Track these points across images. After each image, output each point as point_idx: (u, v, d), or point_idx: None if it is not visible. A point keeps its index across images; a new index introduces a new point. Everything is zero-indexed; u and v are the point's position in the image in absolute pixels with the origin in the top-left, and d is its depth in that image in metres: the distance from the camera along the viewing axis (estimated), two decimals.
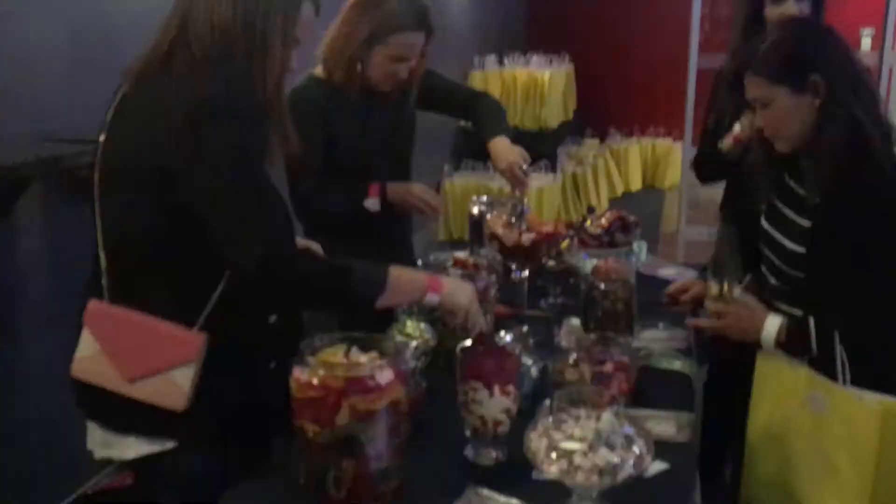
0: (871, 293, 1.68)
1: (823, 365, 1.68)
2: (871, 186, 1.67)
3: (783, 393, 1.72)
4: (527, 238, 2.07)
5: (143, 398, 1.45)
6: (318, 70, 2.24)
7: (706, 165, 2.63)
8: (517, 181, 2.31)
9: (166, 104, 1.40)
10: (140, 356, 1.45)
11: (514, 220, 2.31)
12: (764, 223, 1.86)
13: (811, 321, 1.71)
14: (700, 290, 2.05)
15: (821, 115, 1.69)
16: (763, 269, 1.90)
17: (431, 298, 1.61)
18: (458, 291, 1.65)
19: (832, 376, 1.66)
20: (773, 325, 1.73)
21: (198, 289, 1.47)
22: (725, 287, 1.79)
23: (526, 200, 2.60)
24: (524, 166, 2.32)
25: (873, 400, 1.60)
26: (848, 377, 1.65)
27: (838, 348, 1.66)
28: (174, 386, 1.44)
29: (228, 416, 1.52)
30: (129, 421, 1.50)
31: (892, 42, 6.17)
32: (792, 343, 1.72)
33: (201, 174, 1.39)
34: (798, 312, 1.79)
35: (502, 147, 2.35)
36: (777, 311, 1.84)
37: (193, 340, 1.44)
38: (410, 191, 2.29)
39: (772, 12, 2.35)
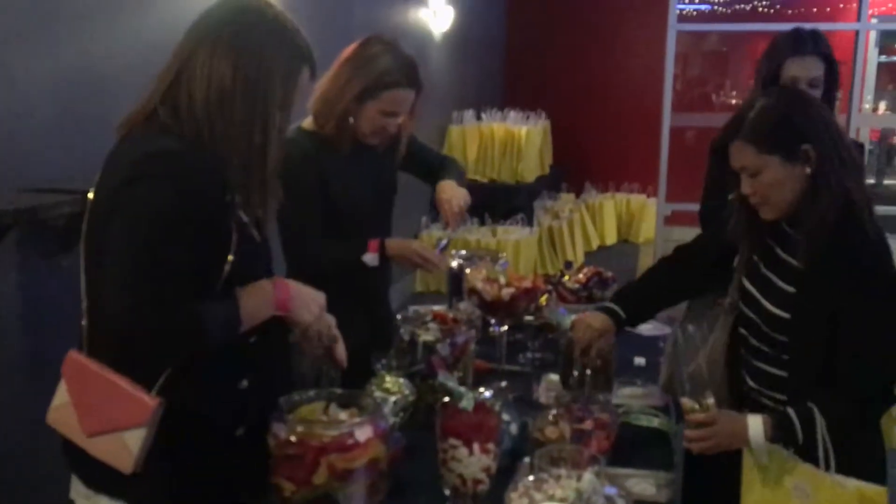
0: (846, 364, 1.68)
1: (808, 452, 1.67)
2: (854, 256, 1.67)
3: (771, 481, 1.70)
4: (506, 293, 2.07)
5: (96, 455, 1.41)
6: (306, 122, 2.26)
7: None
8: (451, 215, 2.35)
9: (124, 156, 1.39)
10: (99, 412, 1.41)
11: (439, 250, 2.35)
12: (746, 284, 1.87)
13: (792, 413, 1.69)
14: (608, 338, 2.02)
15: (812, 185, 1.69)
16: (741, 329, 1.90)
17: (279, 313, 1.50)
18: (305, 307, 1.52)
19: (816, 462, 1.65)
20: (756, 424, 1.70)
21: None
22: (702, 401, 1.78)
23: (504, 255, 2.62)
24: (462, 205, 2.37)
25: (851, 485, 1.61)
26: (832, 463, 1.64)
27: (820, 436, 1.65)
28: (124, 447, 1.38)
29: (191, 483, 1.46)
30: (96, 477, 1.47)
31: (859, 104, 6.32)
32: (778, 438, 1.69)
33: (115, 229, 1.35)
34: (778, 372, 1.79)
35: (447, 185, 2.42)
36: (756, 371, 1.85)
37: (148, 404, 1.37)
38: (410, 247, 2.31)
39: (791, 66, 2.33)
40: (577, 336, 2.01)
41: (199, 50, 1.41)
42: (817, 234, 1.68)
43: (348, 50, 2.22)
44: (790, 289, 1.76)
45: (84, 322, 1.48)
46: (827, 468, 1.64)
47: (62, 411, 1.46)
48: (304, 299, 1.52)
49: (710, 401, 1.75)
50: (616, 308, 2.04)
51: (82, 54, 2.69)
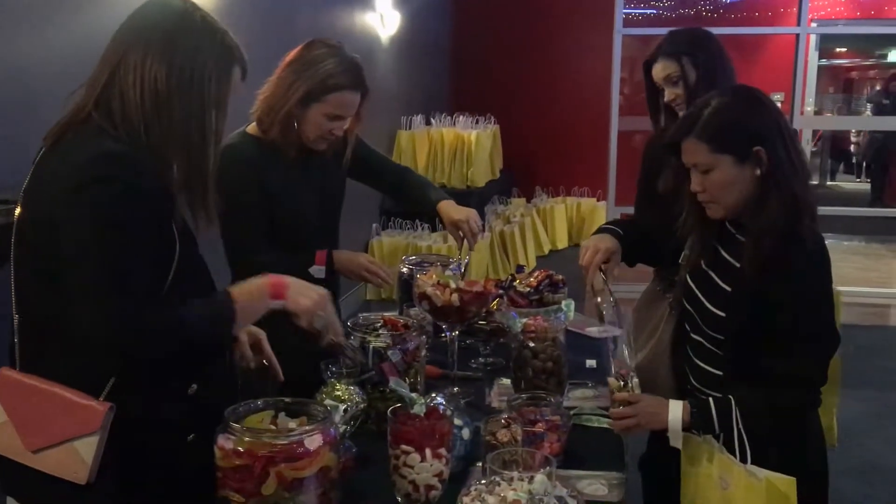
0: (773, 363, 1.71)
1: (728, 443, 1.70)
2: (788, 259, 1.69)
3: (703, 473, 1.74)
4: (456, 297, 2.06)
5: (45, 470, 1.38)
6: (251, 127, 2.23)
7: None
8: (472, 233, 2.41)
9: (62, 165, 1.37)
10: (43, 425, 1.38)
11: (460, 268, 2.37)
12: (689, 280, 1.89)
13: (711, 402, 1.73)
14: (616, 259, 2.09)
15: (761, 188, 1.71)
16: (686, 325, 1.93)
17: (275, 304, 1.54)
18: (303, 293, 1.57)
19: (734, 452, 1.68)
20: (675, 408, 1.74)
21: (105, 357, 1.39)
22: (625, 377, 1.82)
23: (454, 259, 2.62)
24: (479, 222, 2.45)
25: (761, 475, 1.63)
26: (748, 454, 1.67)
27: (736, 429, 1.69)
28: (76, 457, 1.36)
29: (142, 492, 1.44)
30: (40, 496, 1.42)
31: (801, 107, 6.48)
32: (696, 424, 1.73)
33: (66, 237, 1.33)
34: (716, 371, 1.82)
35: (451, 206, 2.47)
36: (696, 369, 1.87)
37: (97, 409, 1.36)
38: (358, 261, 2.31)
39: (654, 70, 2.49)
40: (586, 260, 2.08)
41: (130, 53, 1.40)
42: (764, 237, 1.70)
43: (291, 53, 2.20)
44: (727, 288, 1.79)
45: (16, 339, 1.44)
46: (743, 459, 1.67)
47: None
48: (301, 287, 1.57)
49: (635, 380, 1.80)
50: (615, 227, 2.10)
51: (8, 65, 2.59)
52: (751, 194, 1.73)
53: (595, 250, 2.08)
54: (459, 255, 2.44)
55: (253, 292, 1.52)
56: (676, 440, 1.73)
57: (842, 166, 13.79)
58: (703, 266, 1.86)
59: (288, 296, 1.54)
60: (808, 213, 1.72)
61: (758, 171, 1.71)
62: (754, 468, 1.65)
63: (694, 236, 1.90)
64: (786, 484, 1.62)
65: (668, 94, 2.47)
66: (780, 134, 1.72)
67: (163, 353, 1.39)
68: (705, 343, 1.85)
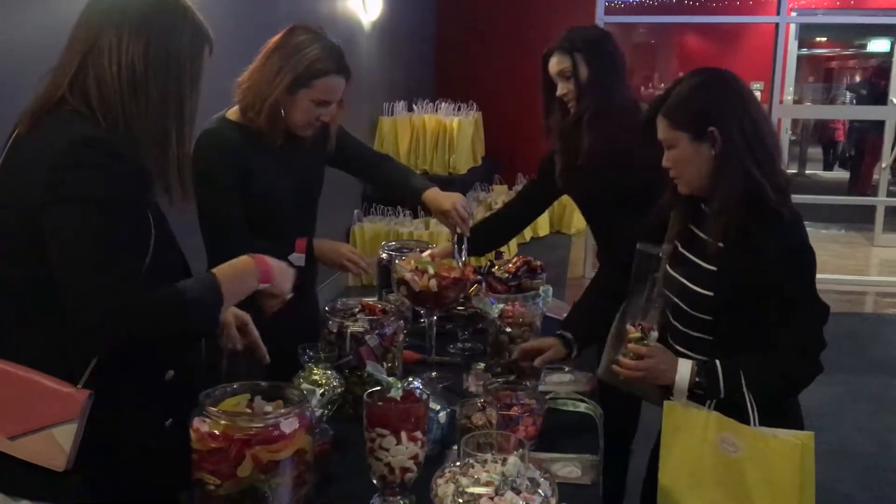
0: (773, 335, 1.76)
1: (732, 407, 1.73)
2: (769, 233, 1.74)
3: (692, 439, 1.76)
4: (434, 283, 2.07)
5: (22, 457, 1.37)
6: (231, 112, 2.22)
7: None
8: (462, 219, 2.43)
9: (40, 149, 1.36)
10: (19, 412, 1.37)
11: (460, 255, 2.39)
12: (668, 269, 1.91)
13: (718, 364, 1.76)
14: (557, 352, 2.05)
15: (717, 166, 1.77)
16: (669, 316, 1.95)
17: (262, 287, 1.56)
18: (284, 276, 1.61)
19: (741, 418, 1.71)
20: (685, 367, 1.78)
21: (78, 344, 1.37)
22: (646, 331, 1.84)
23: (433, 245, 2.63)
24: (468, 207, 2.47)
25: (788, 435, 1.67)
26: (756, 418, 1.70)
27: (745, 390, 1.72)
28: (55, 444, 1.35)
29: (121, 478, 1.44)
30: (18, 483, 1.42)
31: (780, 96, 6.51)
32: (702, 385, 1.76)
33: (50, 222, 1.32)
34: (702, 358, 1.85)
35: (439, 194, 2.49)
36: (680, 356, 1.90)
37: (76, 396, 1.36)
38: (339, 250, 2.31)
39: (549, 64, 2.57)
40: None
41: (104, 35, 1.39)
42: (721, 212, 1.77)
43: (273, 40, 2.19)
44: (711, 268, 1.82)
45: None
46: (753, 423, 1.70)
47: None
48: (283, 270, 1.59)
49: (654, 334, 1.84)
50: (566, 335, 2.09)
51: None
52: (709, 171, 1.79)
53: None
54: (455, 243, 2.44)
55: (238, 274, 1.52)
56: (681, 396, 1.78)
57: (822, 156, 13.86)
58: (682, 250, 1.89)
59: (274, 279, 1.56)
60: (769, 187, 1.75)
61: (713, 151, 1.76)
62: (771, 429, 1.68)
63: (674, 213, 1.95)
64: (808, 438, 1.68)
65: (561, 89, 2.53)
66: (736, 116, 1.76)
67: (160, 335, 1.38)
68: (690, 331, 1.89)
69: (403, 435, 1.48)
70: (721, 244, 1.79)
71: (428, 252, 2.45)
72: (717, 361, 1.77)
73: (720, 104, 1.78)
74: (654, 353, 1.80)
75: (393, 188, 2.64)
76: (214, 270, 1.49)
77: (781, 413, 1.80)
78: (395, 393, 1.53)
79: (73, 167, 1.33)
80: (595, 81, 2.45)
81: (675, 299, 1.90)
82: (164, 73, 1.41)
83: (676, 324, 1.92)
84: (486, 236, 2.80)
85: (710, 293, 1.81)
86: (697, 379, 1.76)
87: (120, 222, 1.35)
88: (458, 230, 2.43)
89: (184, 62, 1.43)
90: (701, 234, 1.86)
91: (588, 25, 2.71)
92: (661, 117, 1.83)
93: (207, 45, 1.50)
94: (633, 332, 1.83)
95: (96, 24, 1.41)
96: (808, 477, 1.67)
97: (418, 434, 1.51)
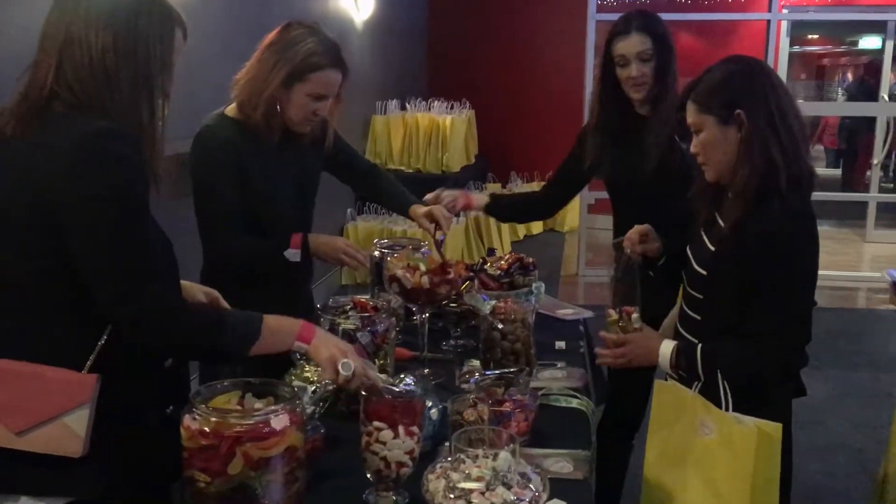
0: (751, 323, 1.77)
1: (711, 391, 1.75)
2: (755, 217, 1.75)
3: (679, 420, 1.78)
4: (426, 280, 2.07)
5: (36, 450, 1.38)
6: (229, 109, 2.22)
7: None
8: (445, 219, 2.47)
9: (48, 144, 1.36)
10: (27, 406, 1.38)
11: (441, 243, 2.44)
12: (688, 249, 1.95)
13: (698, 349, 1.78)
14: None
15: (741, 150, 1.78)
16: (681, 292, 1.99)
17: (300, 346, 1.57)
18: (325, 344, 1.58)
19: (717, 402, 1.72)
20: (667, 348, 1.83)
21: (83, 333, 1.41)
22: (626, 315, 1.86)
23: (426, 243, 2.63)
24: (445, 212, 2.50)
25: (752, 423, 1.67)
26: (730, 402, 1.71)
27: (720, 375, 1.73)
28: (69, 431, 1.37)
29: (124, 466, 1.45)
30: (17, 480, 1.42)
31: None
32: (682, 366, 1.79)
33: (80, 216, 1.35)
34: (693, 340, 1.86)
35: (420, 207, 2.56)
36: (680, 334, 1.92)
37: (85, 381, 1.38)
38: (335, 244, 2.31)
39: (620, 74, 2.45)
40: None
41: (72, 29, 1.40)
42: (739, 197, 1.77)
43: (270, 36, 2.19)
44: (711, 247, 1.85)
45: None
46: (726, 408, 1.71)
47: None
48: (326, 338, 1.59)
49: (636, 315, 1.86)
50: None
51: None
52: (734, 156, 1.79)
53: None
54: (434, 237, 2.46)
55: (283, 328, 1.56)
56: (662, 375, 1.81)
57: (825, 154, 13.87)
58: (700, 231, 1.92)
59: (312, 342, 1.57)
60: (785, 176, 1.74)
61: (739, 134, 1.77)
62: (739, 415, 1.69)
63: (701, 201, 1.96)
64: (775, 429, 1.67)
65: (636, 70, 2.41)
66: (764, 101, 1.76)
67: (187, 342, 1.45)
68: (689, 311, 1.91)
69: (401, 429, 1.49)
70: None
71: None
72: (699, 345, 1.79)
73: (748, 88, 1.79)
74: (631, 339, 1.83)
75: (381, 197, 2.78)
76: (265, 316, 1.53)
77: (762, 402, 1.80)
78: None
79: (87, 161, 1.34)
80: (670, 66, 2.42)
81: (684, 275, 1.93)
82: (133, 60, 1.42)
83: (683, 303, 1.95)
84: (511, 205, 3.01)
85: (704, 272, 1.85)
86: (677, 361, 1.78)
87: (147, 217, 1.41)
88: (440, 229, 2.47)
89: (152, 46, 1.44)
90: (719, 220, 1.88)
91: (645, 9, 2.57)
92: (691, 102, 1.85)
93: (179, 29, 1.50)
94: (612, 316, 1.86)
95: (64, 18, 1.41)
96: (766, 466, 1.66)
97: (415, 429, 1.51)
